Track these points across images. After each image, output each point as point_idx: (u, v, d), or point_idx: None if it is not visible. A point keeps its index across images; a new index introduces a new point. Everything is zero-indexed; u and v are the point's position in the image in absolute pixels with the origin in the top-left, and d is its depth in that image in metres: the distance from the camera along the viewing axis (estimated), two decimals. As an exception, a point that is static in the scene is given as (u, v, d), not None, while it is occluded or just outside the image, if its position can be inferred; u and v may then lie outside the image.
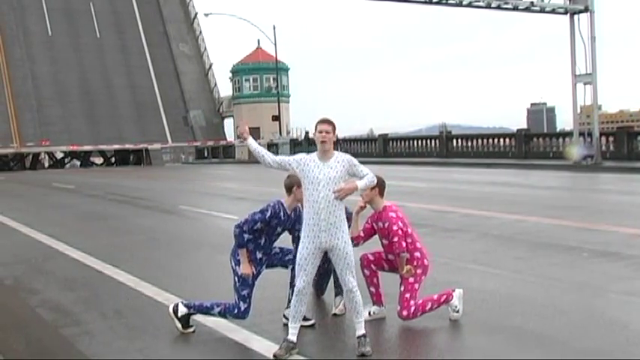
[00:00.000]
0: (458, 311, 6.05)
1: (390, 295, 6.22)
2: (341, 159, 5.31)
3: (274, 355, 5.18)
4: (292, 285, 5.84)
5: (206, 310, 5.99)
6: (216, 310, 5.94)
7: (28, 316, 7.07)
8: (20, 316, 7.16)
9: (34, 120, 54.91)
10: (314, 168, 5.24)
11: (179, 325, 5.93)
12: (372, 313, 6.12)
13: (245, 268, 5.76)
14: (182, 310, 5.97)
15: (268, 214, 5.79)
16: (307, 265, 5.26)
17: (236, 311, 5.86)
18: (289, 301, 5.85)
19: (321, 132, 5.27)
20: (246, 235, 5.75)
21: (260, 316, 6.27)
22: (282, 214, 5.87)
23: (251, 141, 5.62)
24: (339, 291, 6.33)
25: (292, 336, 5.28)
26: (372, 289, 6.21)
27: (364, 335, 5.28)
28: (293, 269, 5.75)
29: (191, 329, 5.99)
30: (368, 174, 5.37)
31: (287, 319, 5.58)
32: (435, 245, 6.27)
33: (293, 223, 5.98)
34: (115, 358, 5.46)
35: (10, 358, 5.61)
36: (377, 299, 6.23)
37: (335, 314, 6.39)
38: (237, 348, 5.60)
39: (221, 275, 8.17)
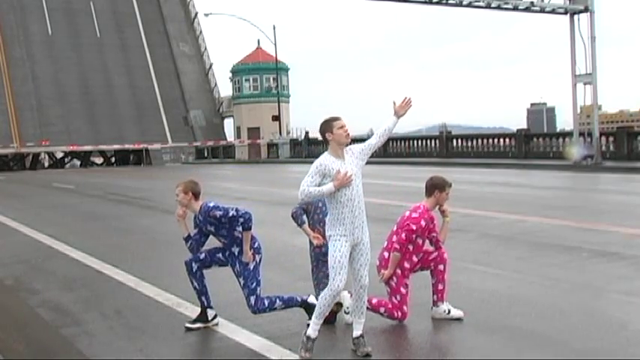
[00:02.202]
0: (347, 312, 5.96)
1: (382, 289, 6.20)
2: (351, 150, 5.28)
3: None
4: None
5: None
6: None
7: (28, 316, 7.07)
8: (20, 316, 7.16)
9: (34, 120, 54.88)
10: (338, 167, 5.15)
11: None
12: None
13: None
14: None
15: None
16: (346, 263, 5.18)
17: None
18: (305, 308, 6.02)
19: (342, 127, 5.22)
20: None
21: (260, 316, 6.26)
22: None
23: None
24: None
25: (314, 333, 5.19)
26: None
27: (363, 335, 5.27)
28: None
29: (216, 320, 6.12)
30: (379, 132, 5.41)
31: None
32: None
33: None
34: (115, 358, 5.46)
35: (10, 358, 5.61)
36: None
37: (346, 312, 6.34)
38: (237, 348, 5.59)
39: (221, 275, 8.18)
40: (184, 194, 6.07)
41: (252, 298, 5.95)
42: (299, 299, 6.09)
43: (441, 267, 6.16)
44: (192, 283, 6.16)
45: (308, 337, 5.19)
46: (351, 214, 5.15)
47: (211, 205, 5.96)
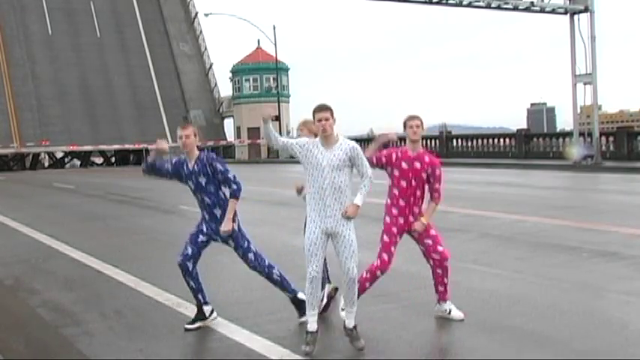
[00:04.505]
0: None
1: (381, 289, 6.21)
2: (345, 146, 5.26)
3: (306, 354, 5.14)
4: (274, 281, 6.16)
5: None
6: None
7: (28, 316, 7.07)
8: (20, 316, 7.16)
9: (34, 120, 54.82)
10: (317, 154, 5.21)
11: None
12: None
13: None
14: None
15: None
16: (317, 250, 5.20)
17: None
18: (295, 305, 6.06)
19: (320, 120, 5.22)
20: None
21: (260, 316, 6.27)
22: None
23: (269, 124, 5.56)
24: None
25: (312, 325, 5.23)
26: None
27: (356, 327, 5.28)
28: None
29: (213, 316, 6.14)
30: (366, 176, 5.30)
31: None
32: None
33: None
34: (115, 358, 5.46)
35: (10, 358, 5.61)
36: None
37: (343, 309, 6.35)
38: (237, 348, 5.59)
39: (221, 275, 8.19)
40: (194, 136, 6.12)
41: (251, 255, 6.04)
42: (292, 288, 6.17)
43: (439, 271, 6.14)
44: (188, 283, 6.17)
45: (307, 332, 5.23)
46: (320, 203, 5.17)
47: (215, 156, 6.08)
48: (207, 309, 6.16)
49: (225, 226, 5.94)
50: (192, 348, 5.77)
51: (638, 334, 5.65)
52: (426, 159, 6.07)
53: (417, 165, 6.02)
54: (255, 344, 5.59)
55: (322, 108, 5.28)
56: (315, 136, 5.71)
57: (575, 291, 7.13)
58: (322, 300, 6.33)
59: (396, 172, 6.05)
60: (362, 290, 5.98)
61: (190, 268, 6.11)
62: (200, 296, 6.16)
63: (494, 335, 5.67)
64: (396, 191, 6.06)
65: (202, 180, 6.01)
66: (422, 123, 6.13)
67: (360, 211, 5.26)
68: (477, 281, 7.57)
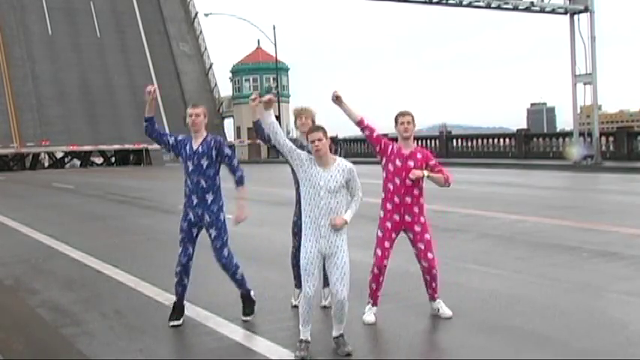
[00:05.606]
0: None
1: (388, 294, 6.22)
2: (342, 167, 5.22)
3: (303, 358, 5.14)
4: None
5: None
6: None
7: (28, 316, 7.07)
8: (20, 316, 7.15)
9: (34, 120, 54.81)
10: (315, 173, 5.18)
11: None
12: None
13: None
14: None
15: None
16: (314, 269, 5.19)
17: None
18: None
19: (313, 141, 5.16)
20: None
21: (260, 316, 6.27)
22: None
23: (271, 113, 5.48)
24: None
25: (305, 335, 5.23)
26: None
27: (342, 335, 5.29)
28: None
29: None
30: (357, 196, 5.28)
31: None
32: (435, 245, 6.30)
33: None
34: (115, 358, 5.46)
35: (10, 358, 5.61)
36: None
37: (325, 306, 6.41)
38: (237, 348, 5.59)
39: (221, 275, 8.17)
40: (204, 117, 6.17)
41: (226, 250, 6.06)
42: (248, 287, 6.23)
43: (427, 277, 6.19)
44: (182, 281, 6.23)
45: (301, 340, 5.24)
46: (316, 221, 5.15)
47: (222, 140, 6.15)
48: (185, 304, 6.32)
49: (243, 214, 5.96)
50: (192, 348, 5.77)
51: (639, 335, 5.65)
52: (419, 156, 6.05)
53: (411, 164, 5.99)
54: (255, 344, 5.60)
55: (315, 129, 5.24)
56: (313, 123, 5.92)
57: (575, 291, 7.12)
58: (327, 298, 6.35)
59: (390, 167, 6.04)
60: (372, 294, 6.07)
61: (190, 266, 6.22)
62: (186, 293, 6.27)
63: (494, 335, 5.66)
64: (390, 186, 6.06)
65: (204, 162, 6.01)
66: (413, 119, 6.05)
67: (346, 227, 5.22)
68: (477, 281, 7.57)
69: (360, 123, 6.04)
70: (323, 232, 5.15)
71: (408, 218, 6.05)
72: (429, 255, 6.08)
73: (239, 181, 6.05)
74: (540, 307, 6.44)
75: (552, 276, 7.75)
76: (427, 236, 6.09)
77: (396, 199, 6.03)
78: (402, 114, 6.06)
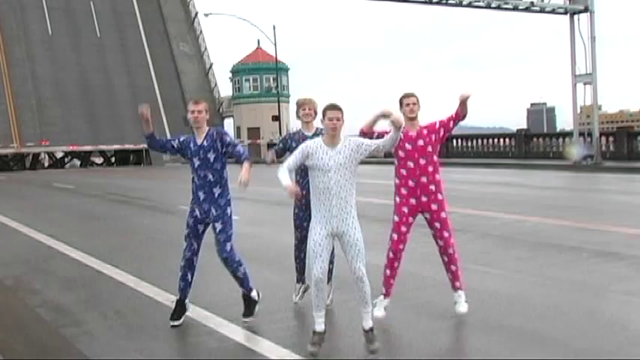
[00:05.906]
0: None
1: (381, 289, 6.21)
2: (348, 143, 5.26)
3: (311, 354, 5.13)
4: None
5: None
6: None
7: (28, 316, 7.07)
8: (20, 316, 7.16)
9: (34, 120, 54.80)
10: (322, 155, 5.19)
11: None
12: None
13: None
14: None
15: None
16: (322, 252, 5.18)
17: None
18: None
19: (331, 119, 5.21)
20: None
21: (260, 316, 6.27)
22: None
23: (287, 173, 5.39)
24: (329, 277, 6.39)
25: (319, 326, 5.22)
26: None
27: (372, 329, 5.24)
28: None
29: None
30: (376, 142, 5.34)
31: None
32: (435, 245, 6.30)
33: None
34: (115, 358, 5.46)
35: (10, 358, 5.61)
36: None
37: (296, 303, 6.55)
38: (237, 348, 5.60)
39: (221, 275, 8.17)
40: (205, 112, 6.15)
41: (229, 245, 6.04)
42: (250, 285, 6.20)
43: (444, 257, 6.24)
44: (185, 276, 6.25)
45: (314, 332, 5.22)
46: (327, 203, 5.16)
47: (223, 129, 6.20)
48: (187, 303, 6.31)
49: (245, 177, 5.89)
50: (192, 348, 5.77)
51: (638, 334, 5.65)
52: (425, 132, 6.05)
53: (421, 143, 6.00)
54: (255, 344, 5.60)
55: (335, 107, 5.29)
56: (315, 113, 6.04)
57: (575, 291, 7.13)
58: (329, 296, 6.36)
59: (401, 153, 6.04)
60: (386, 282, 6.06)
61: (195, 262, 6.21)
62: (189, 290, 6.26)
63: (494, 335, 5.66)
64: (404, 172, 6.06)
65: (211, 156, 6.02)
66: (418, 100, 6.06)
67: (355, 206, 5.25)
68: (477, 281, 7.56)
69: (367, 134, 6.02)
70: (334, 212, 5.15)
71: (424, 199, 6.05)
72: (445, 234, 6.11)
73: (244, 158, 5.98)
74: (540, 307, 6.44)
75: (552, 276, 7.75)
76: (443, 215, 6.10)
77: (411, 183, 6.03)
78: (406, 95, 6.06)
